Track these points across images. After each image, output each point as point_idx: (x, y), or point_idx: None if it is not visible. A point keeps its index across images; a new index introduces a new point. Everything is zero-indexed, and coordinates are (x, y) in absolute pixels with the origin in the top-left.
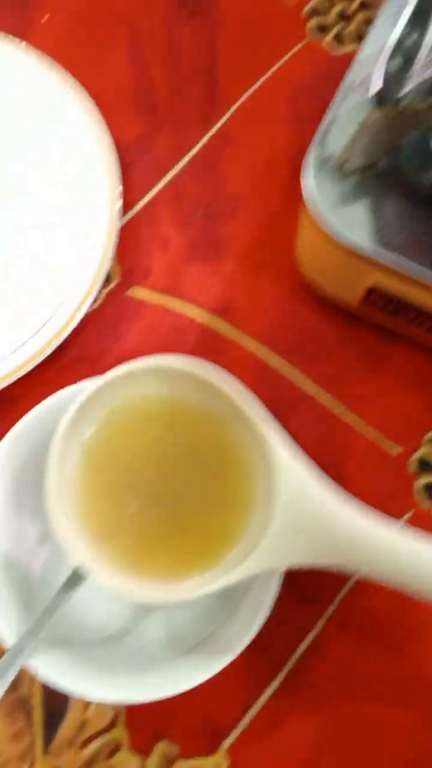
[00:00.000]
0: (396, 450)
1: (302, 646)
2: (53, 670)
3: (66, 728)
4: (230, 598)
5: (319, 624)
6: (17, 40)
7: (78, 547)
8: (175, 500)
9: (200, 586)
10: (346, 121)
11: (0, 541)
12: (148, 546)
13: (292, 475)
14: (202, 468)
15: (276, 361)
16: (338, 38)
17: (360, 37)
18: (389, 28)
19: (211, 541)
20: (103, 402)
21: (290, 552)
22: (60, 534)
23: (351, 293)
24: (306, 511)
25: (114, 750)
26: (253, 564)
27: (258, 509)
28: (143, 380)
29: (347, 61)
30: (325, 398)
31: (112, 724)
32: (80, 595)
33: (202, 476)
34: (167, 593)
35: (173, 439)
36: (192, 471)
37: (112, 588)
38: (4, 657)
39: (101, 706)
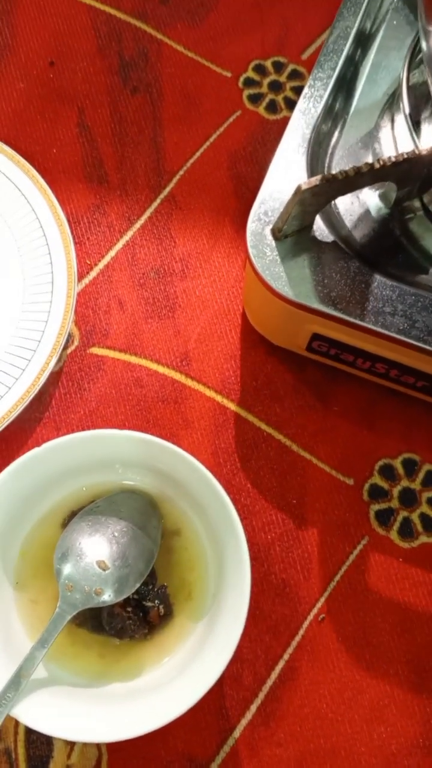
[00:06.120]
0: (350, 480)
1: (273, 676)
2: (36, 715)
3: None
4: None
5: (287, 654)
6: None
7: None
8: None
9: None
10: (279, 192)
11: None
12: None
13: None
14: None
15: (233, 406)
16: (271, 106)
17: (291, 104)
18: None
19: None
20: None
21: None
22: None
23: (296, 341)
24: None
25: None
26: None
27: None
28: None
29: (281, 126)
30: (281, 436)
31: None
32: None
33: None
34: None
35: None
36: None
37: None
38: None
39: (84, 752)
